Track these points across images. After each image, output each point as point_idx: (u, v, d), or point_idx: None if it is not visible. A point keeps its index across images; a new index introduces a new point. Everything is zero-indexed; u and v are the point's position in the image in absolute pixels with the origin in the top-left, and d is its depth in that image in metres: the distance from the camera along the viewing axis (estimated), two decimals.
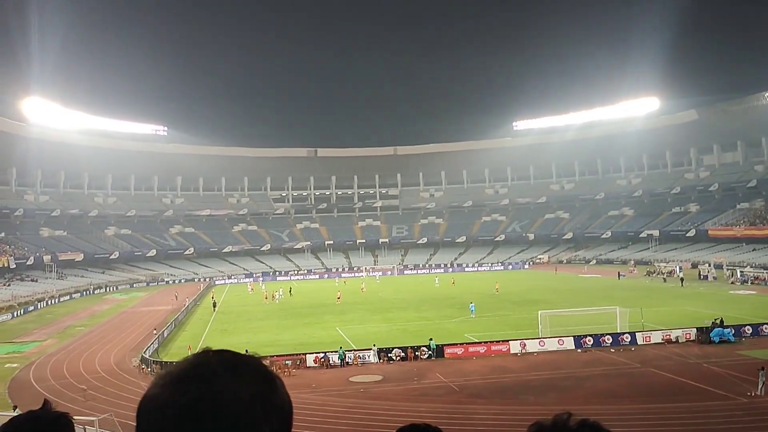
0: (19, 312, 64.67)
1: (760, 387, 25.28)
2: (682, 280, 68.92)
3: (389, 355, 35.33)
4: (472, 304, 51.92)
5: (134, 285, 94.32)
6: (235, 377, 1.17)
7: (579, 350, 35.93)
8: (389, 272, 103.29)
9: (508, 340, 37.18)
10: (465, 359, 35.11)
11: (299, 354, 35.34)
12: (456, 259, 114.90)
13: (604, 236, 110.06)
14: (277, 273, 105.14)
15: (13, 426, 1.81)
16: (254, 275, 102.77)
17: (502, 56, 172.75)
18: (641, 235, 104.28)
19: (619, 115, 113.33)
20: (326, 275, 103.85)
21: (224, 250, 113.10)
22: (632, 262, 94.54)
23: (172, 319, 52.14)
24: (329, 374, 32.74)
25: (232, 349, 1.27)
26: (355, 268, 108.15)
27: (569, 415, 1.24)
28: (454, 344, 36.95)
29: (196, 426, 1.10)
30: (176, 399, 1.12)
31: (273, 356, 33.61)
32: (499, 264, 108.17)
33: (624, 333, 37.54)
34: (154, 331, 45.69)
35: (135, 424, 1.19)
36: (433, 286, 77.01)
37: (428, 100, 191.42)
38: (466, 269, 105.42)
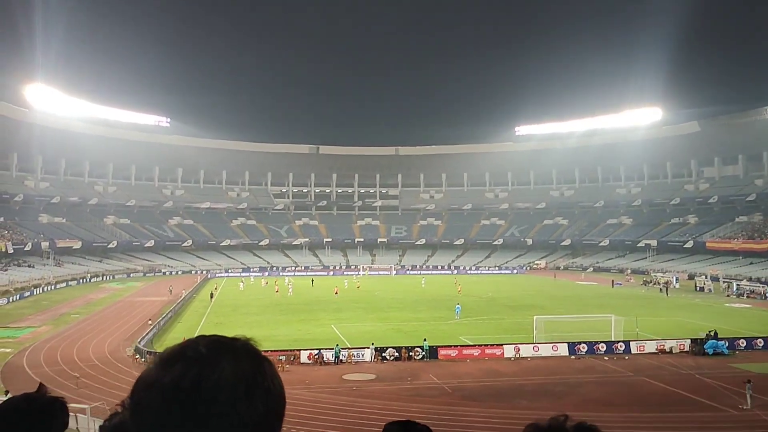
0: (14, 297, 64.69)
1: (748, 400, 25.40)
2: (667, 290, 69.39)
3: (383, 354, 35.40)
4: (458, 306, 52.17)
5: (131, 275, 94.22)
6: (220, 358, 1.20)
7: (573, 357, 35.98)
8: (389, 272, 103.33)
9: (502, 344, 37.26)
10: (459, 361, 35.16)
11: (294, 350, 35.42)
12: (453, 261, 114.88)
13: (602, 244, 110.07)
14: (275, 269, 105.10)
15: (8, 407, 1.85)
16: (251, 270, 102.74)
17: (506, 61, 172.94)
18: (639, 245, 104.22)
19: (622, 124, 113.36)
20: (330, 273, 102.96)
21: (222, 244, 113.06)
22: (629, 270, 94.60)
23: (167, 310, 52.18)
24: (323, 371, 32.80)
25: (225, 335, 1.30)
26: (352, 267, 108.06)
27: (566, 417, 1.24)
28: (448, 346, 36.97)
29: (178, 405, 1.14)
30: (161, 378, 1.17)
31: (267, 351, 33.63)
32: (497, 268, 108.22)
33: (618, 341, 37.53)
34: (149, 322, 45.75)
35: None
36: (427, 287, 76.54)
37: (432, 101, 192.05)
38: (468, 272, 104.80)
